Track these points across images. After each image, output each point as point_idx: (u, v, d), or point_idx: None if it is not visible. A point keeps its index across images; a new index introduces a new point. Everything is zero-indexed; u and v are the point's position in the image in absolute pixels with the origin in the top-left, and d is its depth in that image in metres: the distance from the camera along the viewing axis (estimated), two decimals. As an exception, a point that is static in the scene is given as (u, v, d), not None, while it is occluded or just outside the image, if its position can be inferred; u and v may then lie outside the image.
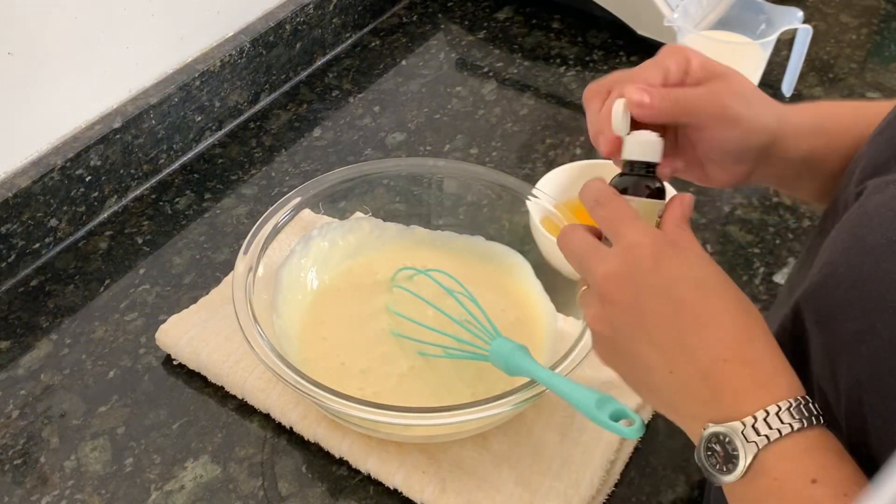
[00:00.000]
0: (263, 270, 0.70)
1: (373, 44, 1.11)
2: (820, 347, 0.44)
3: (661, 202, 0.53)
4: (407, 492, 0.64)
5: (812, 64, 1.06)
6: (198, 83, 0.93)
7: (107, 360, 0.75)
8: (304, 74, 1.06)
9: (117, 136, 0.86)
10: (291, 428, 0.69)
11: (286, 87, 1.05)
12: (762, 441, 0.41)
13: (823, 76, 1.05)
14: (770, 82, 1.01)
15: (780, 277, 0.81)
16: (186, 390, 0.72)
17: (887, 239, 0.41)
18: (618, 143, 0.54)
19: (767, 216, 0.87)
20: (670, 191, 0.65)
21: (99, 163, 0.85)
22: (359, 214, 0.80)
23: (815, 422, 0.42)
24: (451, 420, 0.60)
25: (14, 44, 0.76)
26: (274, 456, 0.68)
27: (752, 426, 0.42)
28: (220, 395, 0.72)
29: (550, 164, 0.91)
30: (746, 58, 0.94)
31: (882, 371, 0.40)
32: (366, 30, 1.13)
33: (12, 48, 0.76)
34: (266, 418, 0.70)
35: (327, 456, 0.67)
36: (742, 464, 0.41)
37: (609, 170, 0.83)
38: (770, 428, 0.41)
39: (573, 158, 0.93)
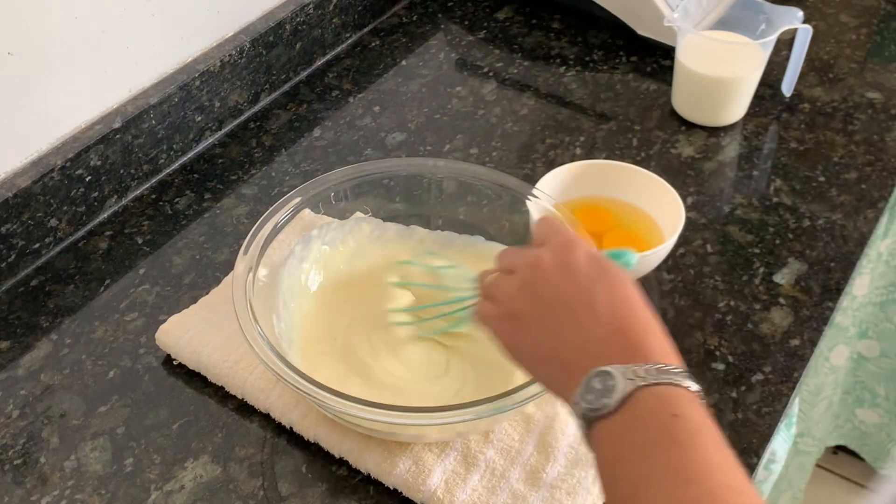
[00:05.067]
0: (263, 270, 0.70)
1: (373, 44, 1.11)
2: None
3: None
4: (407, 491, 0.64)
5: (812, 64, 1.06)
6: (198, 83, 0.93)
7: (107, 360, 0.75)
8: (304, 74, 1.06)
9: (117, 136, 0.86)
10: (291, 428, 0.69)
11: (286, 87, 1.05)
12: (641, 381, 0.45)
13: (823, 76, 1.05)
14: (770, 82, 1.01)
15: (780, 277, 0.81)
16: (186, 390, 0.72)
17: None
18: None
19: (767, 216, 0.87)
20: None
21: (99, 163, 0.85)
22: (359, 214, 0.80)
23: (693, 388, 0.46)
24: (452, 420, 0.60)
25: (14, 44, 0.76)
26: (274, 456, 0.68)
27: (638, 370, 0.46)
28: (220, 395, 0.72)
29: (550, 164, 0.91)
30: (746, 58, 0.94)
31: None
32: (366, 30, 1.13)
33: (12, 48, 0.76)
34: (266, 418, 0.70)
35: (327, 456, 0.68)
36: (618, 395, 0.45)
37: (609, 170, 0.84)
38: (654, 374, 0.46)
39: (573, 158, 0.93)
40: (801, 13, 0.94)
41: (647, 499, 0.42)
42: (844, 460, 1.56)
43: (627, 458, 0.45)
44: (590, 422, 0.47)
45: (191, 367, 0.73)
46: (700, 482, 0.42)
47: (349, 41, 1.12)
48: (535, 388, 0.61)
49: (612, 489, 0.45)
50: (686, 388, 0.46)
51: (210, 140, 0.97)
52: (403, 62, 1.08)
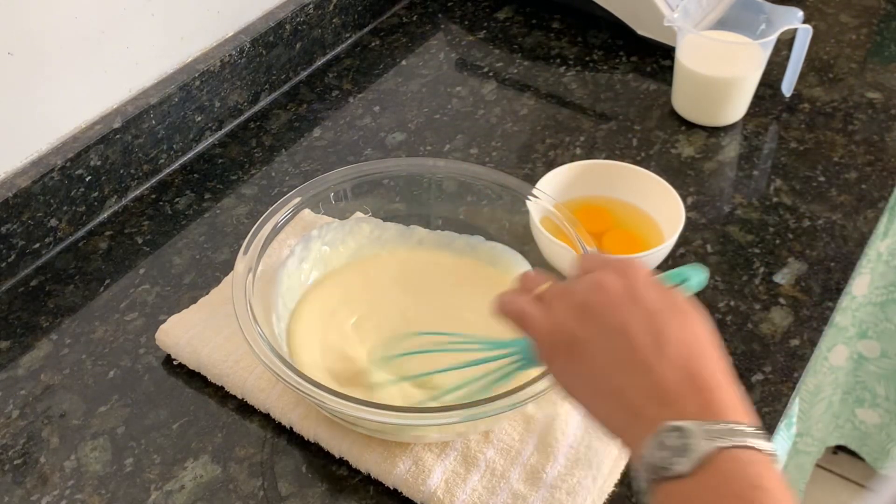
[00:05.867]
0: (263, 270, 0.70)
1: (373, 44, 1.11)
2: None
3: None
4: (407, 491, 0.64)
5: (812, 64, 1.06)
6: (198, 83, 0.93)
7: (107, 360, 0.75)
8: (304, 74, 1.06)
9: (117, 136, 0.86)
10: (291, 428, 0.69)
11: (286, 87, 1.05)
12: (722, 442, 0.42)
13: (823, 76, 1.05)
14: (770, 82, 1.01)
15: (780, 277, 0.81)
16: (186, 390, 0.72)
17: None
18: None
19: (767, 216, 0.87)
20: None
21: (99, 163, 0.85)
22: (359, 214, 0.80)
23: (769, 451, 0.42)
24: (452, 420, 0.60)
25: (14, 44, 0.76)
26: (274, 456, 0.68)
27: (717, 429, 0.42)
28: (220, 395, 0.72)
29: (550, 164, 0.91)
30: (746, 58, 0.94)
31: None
32: (366, 30, 1.13)
33: (12, 48, 0.76)
34: (266, 418, 0.70)
35: (327, 456, 0.68)
36: (695, 456, 0.41)
37: (609, 170, 0.84)
38: (731, 435, 0.42)
39: (573, 158, 0.93)
40: (801, 13, 0.94)
41: None
42: (844, 460, 1.56)
43: None
44: (657, 481, 0.43)
45: (191, 367, 0.73)
46: None
47: (349, 41, 1.12)
48: (535, 388, 0.61)
49: None
50: (763, 451, 0.42)
51: (210, 140, 0.97)
52: (403, 62, 1.08)
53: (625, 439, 0.46)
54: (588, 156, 0.94)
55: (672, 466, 0.42)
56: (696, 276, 0.53)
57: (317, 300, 0.74)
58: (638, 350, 0.46)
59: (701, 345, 0.46)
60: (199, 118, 0.95)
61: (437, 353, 0.64)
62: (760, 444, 0.42)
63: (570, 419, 0.68)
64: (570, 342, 0.48)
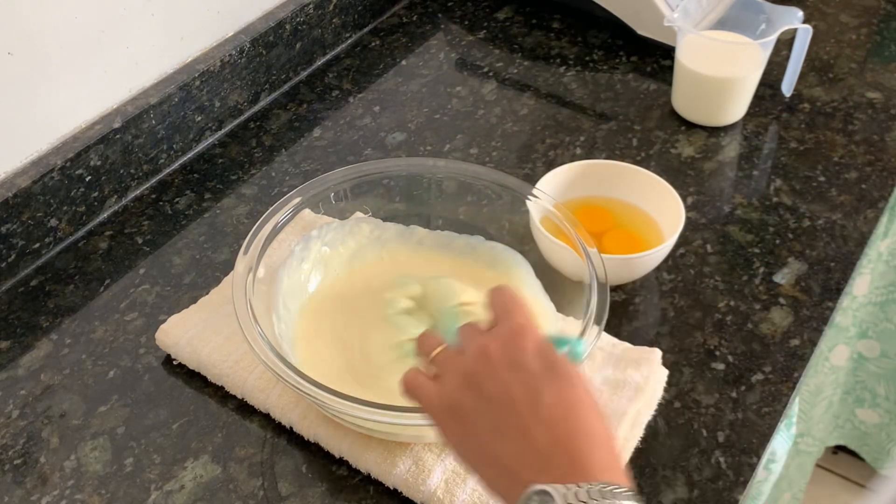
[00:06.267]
0: (263, 270, 0.70)
1: (373, 44, 1.11)
2: None
3: None
4: (407, 491, 0.64)
5: (812, 64, 1.06)
6: (198, 83, 0.93)
7: (107, 360, 0.75)
8: (304, 74, 1.06)
9: (117, 136, 0.86)
10: (291, 428, 0.69)
11: (286, 87, 1.05)
12: (588, 503, 0.42)
13: (823, 76, 1.05)
14: (770, 82, 1.01)
15: (780, 277, 0.81)
16: (186, 390, 0.72)
17: None
18: None
19: (767, 216, 0.87)
20: None
21: (99, 163, 0.85)
22: (359, 214, 0.80)
23: None
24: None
25: (14, 44, 0.76)
26: (274, 456, 0.68)
27: (581, 492, 0.43)
28: (220, 395, 0.72)
29: (550, 164, 0.91)
30: (746, 58, 0.94)
31: None
32: (366, 30, 1.13)
33: (12, 48, 0.76)
34: (266, 418, 0.70)
35: (327, 456, 0.68)
36: None
37: (609, 170, 0.84)
38: (601, 498, 0.43)
39: (573, 158, 0.93)
40: (801, 13, 0.94)
41: None
42: (844, 460, 1.56)
43: None
44: None
45: (191, 367, 0.73)
46: None
47: (349, 41, 1.12)
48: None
49: None
50: None
51: (210, 140, 0.97)
52: (403, 62, 1.08)
53: (508, 502, 0.47)
54: (588, 156, 0.94)
55: None
56: (578, 347, 0.55)
57: (317, 303, 0.74)
58: (515, 415, 0.48)
59: (577, 408, 0.48)
60: (199, 118, 0.95)
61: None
62: (623, 501, 0.43)
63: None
64: (454, 409, 0.51)
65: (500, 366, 0.50)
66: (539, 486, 0.44)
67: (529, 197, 0.76)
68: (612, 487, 0.44)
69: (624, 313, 0.78)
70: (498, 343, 0.51)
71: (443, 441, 0.53)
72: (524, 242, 0.77)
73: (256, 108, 1.02)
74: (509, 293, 0.56)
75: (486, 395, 0.50)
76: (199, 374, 0.73)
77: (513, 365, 0.50)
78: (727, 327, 0.77)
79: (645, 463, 0.67)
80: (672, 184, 0.80)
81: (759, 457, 0.68)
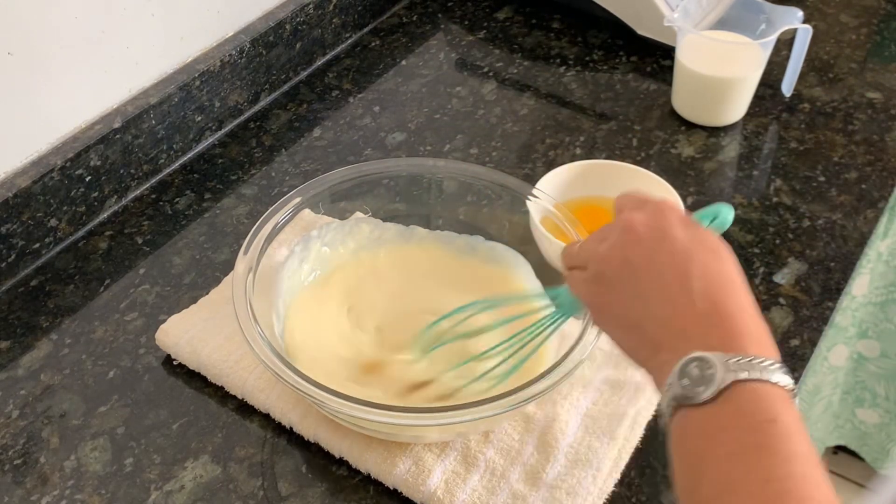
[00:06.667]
0: (263, 270, 0.70)
1: (373, 44, 1.11)
2: None
3: None
4: (407, 491, 0.64)
5: (812, 64, 1.06)
6: (198, 83, 0.93)
7: (107, 360, 0.75)
8: (304, 74, 1.06)
9: (117, 136, 0.86)
10: (291, 428, 0.69)
11: (286, 87, 1.05)
12: (742, 374, 0.43)
13: (823, 76, 1.05)
14: (770, 82, 1.01)
15: (780, 277, 0.81)
16: (186, 390, 0.72)
17: None
18: None
19: (767, 216, 0.87)
20: None
21: (99, 163, 0.85)
22: (359, 215, 0.80)
23: (792, 388, 0.44)
24: (452, 420, 0.60)
25: (14, 44, 0.76)
26: (274, 456, 0.68)
27: (738, 361, 0.43)
28: (220, 395, 0.72)
29: (550, 164, 0.91)
30: (746, 58, 0.94)
31: None
32: (366, 30, 1.13)
33: (12, 48, 0.76)
34: (266, 418, 0.70)
35: (327, 456, 0.68)
36: (715, 386, 0.43)
37: (609, 170, 0.84)
38: (752, 368, 0.43)
39: (573, 158, 0.93)
40: (801, 13, 0.94)
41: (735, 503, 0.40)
42: (844, 460, 1.56)
43: (716, 458, 0.42)
44: (677, 407, 0.45)
45: (191, 367, 0.73)
46: (791, 496, 0.40)
47: (349, 41, 1.12)
48: (536, 388, 0.61)
49: (690, 483, 0.43)
50: (782, 386, 0.44)
51: (210, 140, 0.97)
52: (403, 62, 1.08)
53: (648, 369, 0.49)
54: (588, 156, 0.94)
55: (693, 395, 0.43)
56: (725, 212, 0.56)
57: (313, 300, 0.74)
58: (663, 285, 0.48)
59: (726, 279, 0.48)
60: (199, 118, 0.95)
61: (469, 335, 0.67)
62: (780, 378, 0.44)
63: (570, 419, 0.68)
64: (598, 279, 0.52)
65: (646, 235, 0.50)
66: (697, 354, 0.44)
67: (529, 197, 0.76)
68: (763, 360, 0.44)
69: (624, 313, 0.78)
70: (643, 216, 0.51)
71: (592, 315, 0.54)
72: (524, 242, 0.77)
73: (256, 108, 1.02)
74: (638, 193, 0.56)
75: (631, 262, 0.50)
76: (199, 374, 0.73)
77: (660, 235, 0.50)
78: (727, 327, 0.77)
79: (645, 463, 0.67)
80: (672, 184, 0.80)
81: (759, 457, 0.67)
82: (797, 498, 0.40)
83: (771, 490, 0.40)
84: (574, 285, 0.55)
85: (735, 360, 0.43)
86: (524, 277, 0.76)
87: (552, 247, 0.74)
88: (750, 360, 0.44)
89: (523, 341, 0.65)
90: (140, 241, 0.86)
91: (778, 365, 0.44)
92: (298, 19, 1.02)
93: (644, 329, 0.49)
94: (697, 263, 0.48)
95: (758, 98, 0.98)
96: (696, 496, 0.42)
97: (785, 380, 0.44)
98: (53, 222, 0.83)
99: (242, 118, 1.00)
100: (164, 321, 0.75)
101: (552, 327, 0.64)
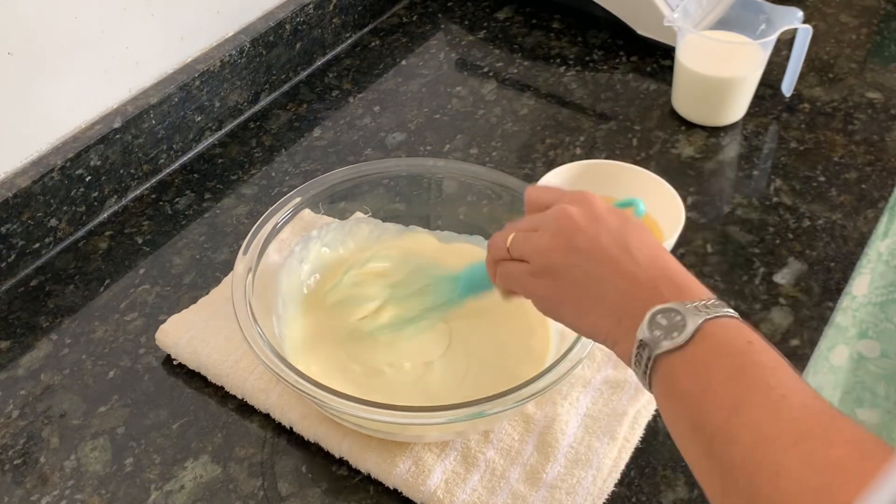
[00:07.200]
0: (263, 270, 0.70)
1: (373, 44, 1.11)
2: None
3: None
4: (407, 491, 0.64)
5: (812, 64, 1.06)
6: (198, 83, 0.93)
7: (107, 360, 0.75)
8: (304, 74, 1.06)
9: (117, 136, 0.86)
10: (291, 428, 0.69)
11: (286, 87, 1.05)
12: (708, 313, 0.48)
13: (823, 76, 1.05)
14: (770, 82, 1.01)
15: (780, 277, 0.81)
16: (186, 390, 0.72)
17: None
18: None
19: (767, 216, 0.87)
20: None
21: (99, 163, 0.85)
22: (359, 215, 0.80)
23: (742, 320, 0.49)
24: (452, 420, 0.60)
25: (14, 44, 0.76)
26: (274, 456, 0.68)
27: (696, 306, 0.48)
28: (220, 395, 0.72)
29: (550, 164, 0.91)
30: (746, 58, 0.94)
31: None
32: (366, 30, 1.13)
33: (12, 48, 0.76)
34: (266, 418, 0.70)
35: (327, 456, 0.68)
36: (690, 328, 0.47)
37: (609, 170, 0.84)
38: (712, 308, 0.48)
39: (573, 158, 0.93)
40: (801, 13, 0.94)
41: (748, 417, 0.44)
42: (844, 460, 1.56)
43: (716, 385, 0.46)
44: (655, 359, 0.48)
45: (191, 367, 0.73)
46: (794, 394, 0.44)
47: (349, 41, 1.12)
48: (536, 387, 0.61)
49: (696, 419, 0.46)
50: (736, 317, 0.49)
51: (210, 140, 0.97)
52: (403, 62, 1.08)
53: (614, 339, 0.52)
54: (588, 156, 0.94)
55: (669, 341, 0.47)
56: (638, 204, 0.62)
57: (311, 301, 0.74)
58: (610, 260, 0.52)
59: (657, 246, 0.54)
60: (199, 118, 0.95)
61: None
62: (730, 311, 0.49)
63: (570, 419, 0.68)
64: (547, 269, 0.54)
65: (583, 222, 0.54)
66: (660, 306, 0.49)
67: (529, 197, 0.76)
68: (713, 301, 0.49)
69: (624, 313, 0.78)
70: (573, 205, 0.55)
71: (539, 306, 0.56)
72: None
73: (256, 108, 1.02)
74: (545, 187, 0.60)
75: (579, 249, 0.53)
76: (199, 374, 0.73)
77: (594, 219, 0.54)
78: (727, 327, 0.77)
79: (645, 463, 0.67)
80: (672, 184, 0.80)
81: (759, 457, 0.67)
82: (795, 396, 0.44)
83: (775, 394, 0.44)
84: (512, 280, 0.57)
85: (693, 305, 0.48)
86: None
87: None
88: (705, 303, 0.49)
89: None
90: (140, 241, 0.86)
91: (723, 303, 0.50)
92: (298, 19, 1.02)
93: (603, 304, 0.52)
94: (633, 238, 0.53)
95: (758, 98, 0.98)
96: (707, 428, 0.45)
97: (733, 312, 0.49)
98: (53, 222, 0.83)
99: (242, 118, 1.00)
100: (164, 321, 0.75)
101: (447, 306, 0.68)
